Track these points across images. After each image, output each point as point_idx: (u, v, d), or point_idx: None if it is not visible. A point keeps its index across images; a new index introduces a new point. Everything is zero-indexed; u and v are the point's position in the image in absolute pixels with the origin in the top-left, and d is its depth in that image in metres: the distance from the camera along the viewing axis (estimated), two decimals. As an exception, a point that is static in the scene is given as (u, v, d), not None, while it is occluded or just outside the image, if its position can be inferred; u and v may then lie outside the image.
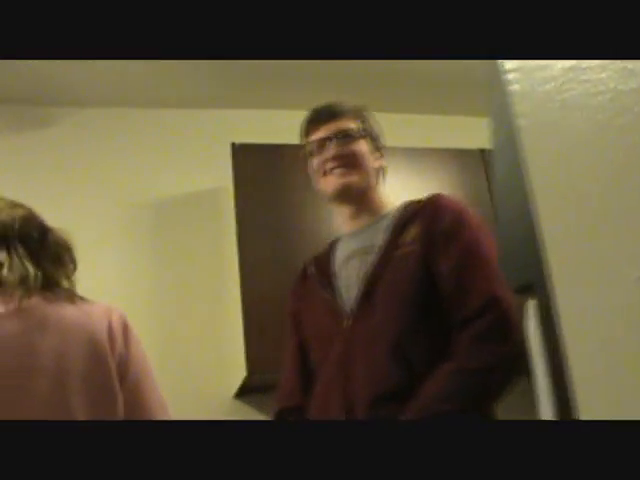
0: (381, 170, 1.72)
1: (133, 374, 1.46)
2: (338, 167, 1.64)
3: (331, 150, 1.64)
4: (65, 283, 1.51)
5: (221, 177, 3.21)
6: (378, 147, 1.73)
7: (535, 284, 0.54)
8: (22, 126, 3.26)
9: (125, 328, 1.49)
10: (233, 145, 3.10)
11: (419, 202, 1.63)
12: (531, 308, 0.55)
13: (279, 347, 2.81)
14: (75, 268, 1.56)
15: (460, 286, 1.45)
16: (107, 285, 2.89)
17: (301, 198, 3.07)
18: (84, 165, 3.26)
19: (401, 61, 3.03)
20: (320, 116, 1.70)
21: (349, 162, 1.64)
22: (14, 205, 1.54)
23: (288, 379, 1.70)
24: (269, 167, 3.11)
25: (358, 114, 1.71)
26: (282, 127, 3.44)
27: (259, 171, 3.10)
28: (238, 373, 2.89)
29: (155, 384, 1.50)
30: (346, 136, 1.66)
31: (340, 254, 1.69)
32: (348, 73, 3.09)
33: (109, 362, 1.42)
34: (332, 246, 1.76)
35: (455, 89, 3.45)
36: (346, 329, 1.53)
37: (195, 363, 3.07)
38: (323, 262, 1.72)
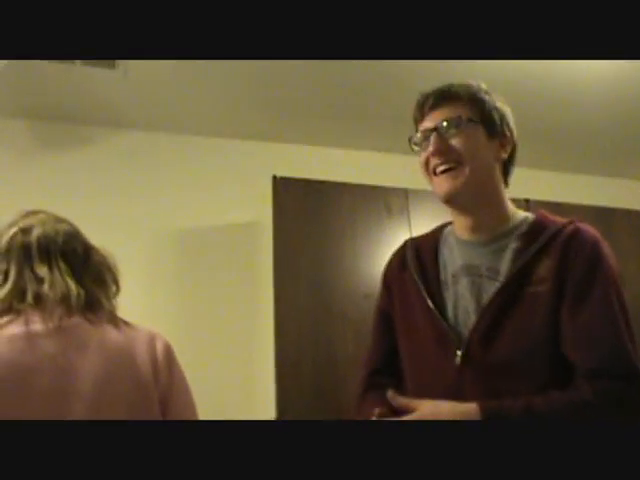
0: (500, 161, 1.46)
1: (176, 405, 1.40)
2: (442, 164, 1.41)
3: (433, 144, 1.41)
4: (107, 304, 1.44)
5: (261, 210, 3.14)
6: (497, 133, 1.44)
7: None
8: (61, 144, 3.22)
9: (170, 357, 1.43)
10: (274, 178, 3.02)
11: (554, 223, 1.41)
12: None
13: (311, 391, 2.78)
14: (118, 290, 1.50)
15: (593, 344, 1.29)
16: (138, 315, 2.80)
17: (341, 234, 2.99)
18: (123, 187, 3.22)
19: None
20: (427, 102, 1.45)
21: (453, 158, 1.40)
22: (59, 220, 1.48)
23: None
24: (310, 202, 3.04)
25: (474, 97, 1.44)
26: (324, 163, 3.42)
27: (299, 205, 3.02)
28: (267, 414, 2.78)
29: (197, 416, 1.46)
30: (452, 126, 1.41)
31: (450, 261, 1.47)
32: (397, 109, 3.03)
33: (151, 391, 1.36)
34: (439, 239, 1.53)
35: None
36: (457, 362, 1.35)
37: (223, 402, 2.96)
38: (428, 259, 1.50)
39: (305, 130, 3.39)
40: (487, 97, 1.46)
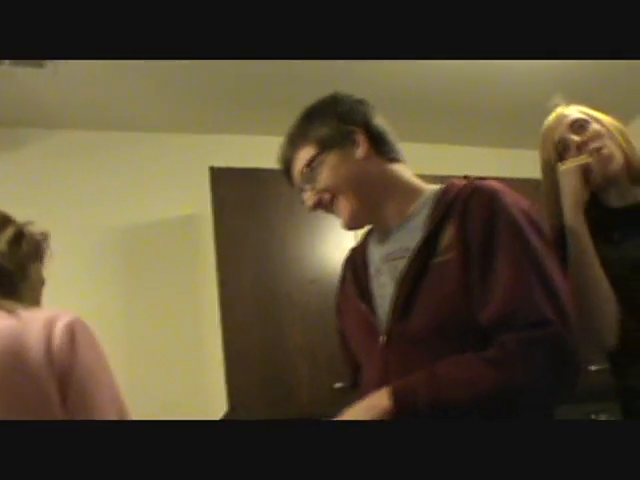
0: (367, 158, 1.45)
1: (79, 377, 1.31)
2: (325, 209, 1.49)
3: (308, 202, 1.48)
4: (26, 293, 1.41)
5: (200, 202, 3.13)
6: (340, 143, 1.44)
7: None
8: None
9: (72, 336, 1.32)
10: (212, 169, 3.01)
11: (453, 187, 1.42)
12: None
13: (261, 380, 2.79)
14: (26, 274, 1.44)
15: (505, 298, 1.27)
16: (79, 311, 2.78)
17: (283, 221, 3.00)
18: (58, 188, 3.17)
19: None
20: (283, 173, 1.54)
21: (327, 198, 1.46)
22: None
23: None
24: (249, 190, 3.03)
25: (302, 135, 1.47)
26: (261, 152, 3.41)
27: (238, 194, 3.01)
28: (217, 403, 2.78)
29: (106, 383, 1.35)
30: (307, 176, 1.45)
31: (373, 256, 1.51)
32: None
33: (44, 380, 1.27)
34: (368, 240, 1.56)
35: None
36: (382, 347, 1.39)
37: (172, 396, 2.97)
38: (360, 264, 1.53)
39: (240, 119, 3.39)
40: (311, 121, 1.48)
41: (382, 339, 1.39)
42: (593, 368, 2.14)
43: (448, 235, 1.34)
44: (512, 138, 3.75)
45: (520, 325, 1.24)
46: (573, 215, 1.54)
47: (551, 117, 1.66)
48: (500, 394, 1.24)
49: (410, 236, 1.41)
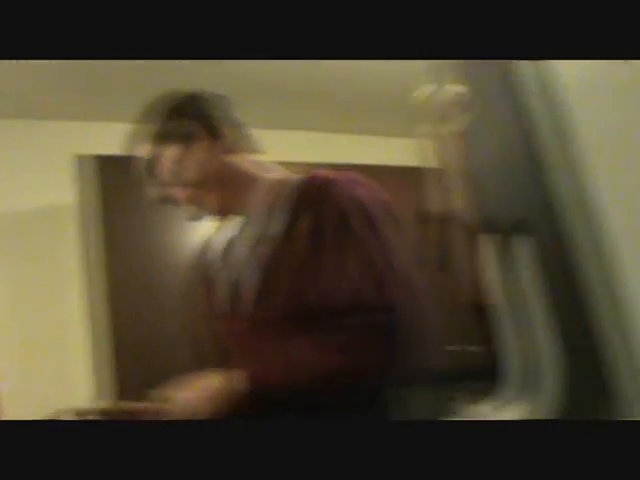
0: (227, 151, 1.52)
1: None
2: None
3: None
4: None
5: (66, 191, 3.05)
6: (194, 138, 1.50)
7: (532, 221, 0.50)
8: None
9: None
10: (77, 157, 2.94)
11: (302, 179, 1.50)
12: (525, 246, 0.51)
13: (150, 368, 2.73)
14: None
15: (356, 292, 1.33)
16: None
17: (152, 207, 2.95)
18: None
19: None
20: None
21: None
22: None
23: None
24: (114, 177, 2.95)
25: (158, 133, 1.51)
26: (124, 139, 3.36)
27: (104, 181, 2.94)
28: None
29: None
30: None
31: (228, 242, 1.57)
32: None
33: None
34: (225, 229, 1.62)
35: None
36: (240, 329, 1.44)
37: (36, 386, 2.91)
38: (216, 248, 1.61)
39: (101, 107, 3.33)
40: (173, 118, 1.52)
41: (237, 322, 1.44)
42: (450, 348, 2.24)
43: (301, 223, 1.40)
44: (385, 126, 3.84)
45: (365, 310, 1.30)
46: None
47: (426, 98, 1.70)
48: (347, 377, 1.30)
49: (264, 224, 1.47)
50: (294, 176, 1.51)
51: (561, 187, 0.46)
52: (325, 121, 3.78)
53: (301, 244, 1.38)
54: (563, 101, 0.45)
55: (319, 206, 1.40)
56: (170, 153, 1.49)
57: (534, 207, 0.49)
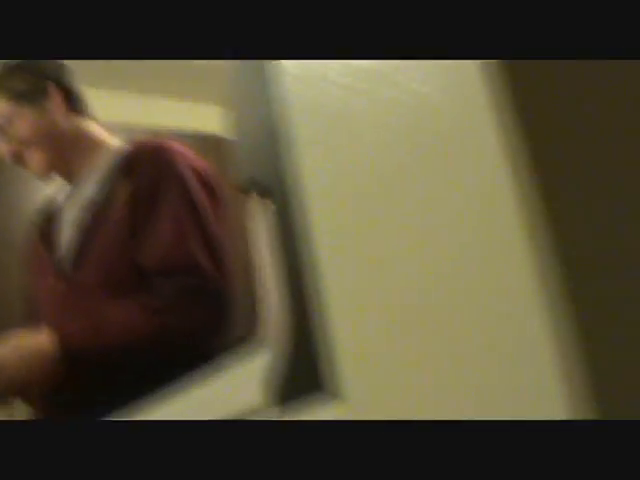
0: (62, 114, 1.53)
1: None
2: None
3: None
4: None
5: None
6: (29, 101, 1.51)
7: (274, 186, 0.52)
8: None
9: None
10: None
11: (133, 145, 1.52)
12: (265, 213, 0.54)
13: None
14: None
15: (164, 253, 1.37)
16: None
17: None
18: None
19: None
20: None
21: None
22: None
23: None
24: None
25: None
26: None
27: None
28: None
29: None
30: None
31: (61, 206, 1.58)
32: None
33: None
34: (59, 192, 1.63)
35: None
36: (53, 291, 1.46)
37: None
38: (49, 208, 1.62)
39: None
40: (6, 75, 1.52)
41: (58, 284, 1.46)
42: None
43: (120, 187, 1.43)
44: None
45: (176, 272, 1.34)
46: None
47: None
48: (159, 339, 1.32)
49: (91, 187, 1.49)
50: (132, 143, 1.54)
51: (300, 161, 0.49)
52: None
53: (119, 210, 1.41)
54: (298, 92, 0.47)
55: (140, 172, 1.43)
56: (1, 108, 1.49)
57: (278, 176, 0.52)
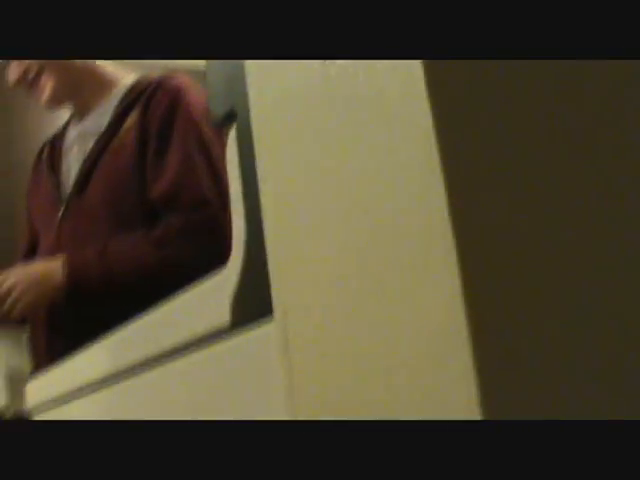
0: None
1: None
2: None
3: None
4: None
5: None
6: None
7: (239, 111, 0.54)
8: None
9: None
10: None
11: (144, 79, 1.53)
12: (232, 137, 0.56)
13: None
14: None
15: (172, 182, 1.39)
16: None
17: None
18: None
19: None
20: None
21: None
22: None
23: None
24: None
25: None
26: None
27: None
28: None
29: None
30: None
31: (68, 134, 1.60)
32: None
33: None
34: (67, 126, 1.64)
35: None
36: (59, 218, 1.47)
37: None
38: (56, 141, 1.62)
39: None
40: None
41: (61, 210, 1.48)
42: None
43: (131, 120, 1.45)
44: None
45: (184, 206, 1.37)
46: None
47: None
48: (164, 270, 1.33)
49: (101, 118, 1.50)
50: (144, 78, 1.54)
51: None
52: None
53: (128, 138, 1.43)
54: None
55: (151, 106, 1.44)
56: None
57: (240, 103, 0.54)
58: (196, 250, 1.34)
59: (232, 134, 0.56)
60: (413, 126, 0.37)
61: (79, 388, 0.93)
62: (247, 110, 0.52)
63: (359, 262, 0.41)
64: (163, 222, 1.37)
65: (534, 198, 0.38)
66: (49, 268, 1.36)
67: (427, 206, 0.36)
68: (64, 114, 1.69)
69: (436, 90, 0.36)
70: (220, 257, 1.42)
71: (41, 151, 1.66)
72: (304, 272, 0.46)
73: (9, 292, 1.36)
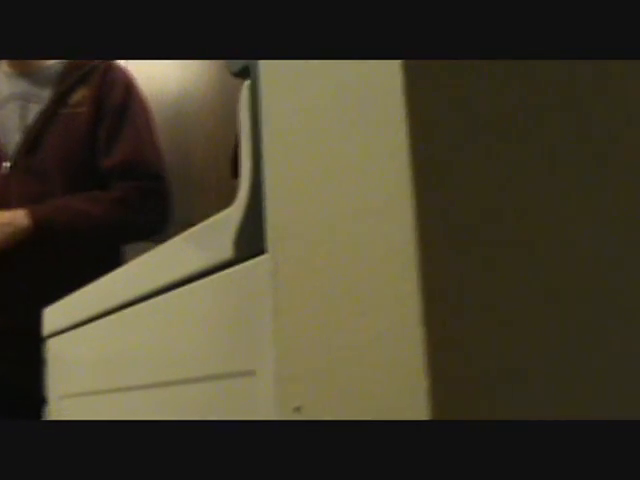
0: None
1: None
2: None
3: None
4: None
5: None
6: None
7: (251, 66, 0.59)
8: None
9: None
10: None
11: (86, 64, 1.64)
12: (245, 89, 0.60)
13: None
14: None
15: (124, 159, 1.57)
16: None
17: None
18: None
19: None
20: None
21: None
22: None
23: None
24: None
25: None
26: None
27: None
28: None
29: None
30: None
31: (1, 88, 1.68)
32: None
33: None
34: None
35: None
36: (5, 172, 1.56)
37: None
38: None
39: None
40: None
41: (5, 166, 1.56)
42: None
43: (81, 94, 1.60)
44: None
45: (140, 175, 1.57)
46: None
47: None
48: (119, 227, 1.57)
49: (43, 85, 1.62)
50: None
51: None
52: None
53: (80, 107, 1.59)
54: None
55: (102, 82, 1.60)
56: None
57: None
58: (150, 213, 1.57)
59: (246, 85, 0.62)
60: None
61: (94, 315, 0.99)
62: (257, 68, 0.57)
63: (346, 203, 0.45)
64: (120, 186, 1.55)
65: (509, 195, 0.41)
66: (15, 214, 1.48)
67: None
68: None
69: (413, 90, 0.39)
70: (166, 223, 1.58)
71: None
72: (297, 207, 0.50)
73: None
